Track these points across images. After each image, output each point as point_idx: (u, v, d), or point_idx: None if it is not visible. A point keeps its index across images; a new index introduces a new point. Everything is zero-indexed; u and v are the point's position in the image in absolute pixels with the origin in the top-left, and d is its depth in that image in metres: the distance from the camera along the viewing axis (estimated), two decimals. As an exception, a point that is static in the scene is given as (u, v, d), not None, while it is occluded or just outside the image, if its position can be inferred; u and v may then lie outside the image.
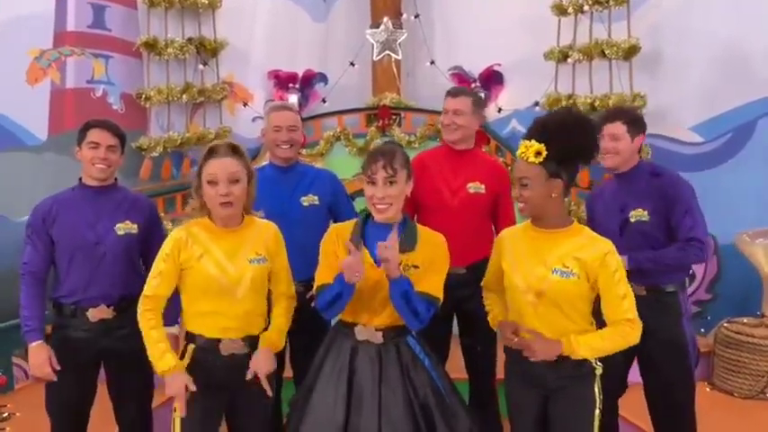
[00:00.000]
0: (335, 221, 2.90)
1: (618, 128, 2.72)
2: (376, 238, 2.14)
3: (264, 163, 2.93)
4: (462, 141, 2.98)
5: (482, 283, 2.44)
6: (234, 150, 2.23)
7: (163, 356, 2.17)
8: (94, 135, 2.57)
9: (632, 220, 2.69)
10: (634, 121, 2.76)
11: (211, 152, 2.21)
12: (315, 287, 2.26)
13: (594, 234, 2.16)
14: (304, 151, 4.82)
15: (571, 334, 2.06)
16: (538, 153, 2.04)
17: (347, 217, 2.76)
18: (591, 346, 2.06)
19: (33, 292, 2.51)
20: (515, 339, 2.13)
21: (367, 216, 2.29)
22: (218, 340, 2.22)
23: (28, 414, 3.43)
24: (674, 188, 2.68)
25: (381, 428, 2.11)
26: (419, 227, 2.30)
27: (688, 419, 2.72)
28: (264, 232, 2.33)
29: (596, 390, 2.16)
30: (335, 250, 2.24)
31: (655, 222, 2.67)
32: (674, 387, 2.70)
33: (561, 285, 2.07)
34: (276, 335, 2.34)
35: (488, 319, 2.38)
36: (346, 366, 2.21)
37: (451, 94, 3.01)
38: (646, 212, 2.67)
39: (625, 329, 2.07)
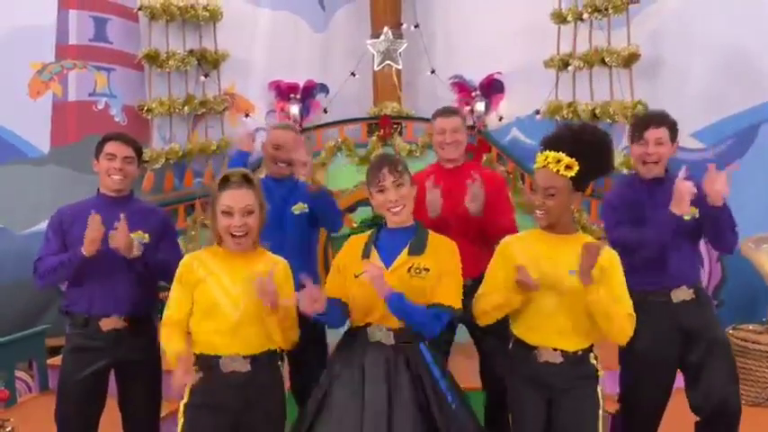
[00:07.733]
0: (318, 223, 3.05)
1: (663, 132, 2.64)
2: (390, 244, 2.28)
3: (261, 176, 3.00)
4: (460, 157, 3.02)
5: (479, 294, 2.36)
6: (247, 180, 2.24)
7: (168, 345, 2.16)
8: (111, 147, 2.63)
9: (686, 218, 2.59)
10: (674, 126, 2.70)
11: (225, 182, 2.23)
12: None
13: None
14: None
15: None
16: (568, 167, 2.11)
17: (327, 210, 2.96)
18: (604, 298, 2.07)
19: (52, 256, 2.53)
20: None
21: (380, 226, 2.36)
22: (219, 357, 2.18)
23: (31, 428, 3.41)
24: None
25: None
26: (431, 233, 2.34)
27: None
28: (274, 264, 2.29)
29: (599, 391, 2.21)
30: (345, 263, 2.31)
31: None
32: (728, 387, 2.62)
33: (580, 284, 2.09)
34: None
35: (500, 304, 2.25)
36: (359, 368, 2.21)
37: (443, 113, 3.01)
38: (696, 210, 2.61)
39: (625, 322, 2.13)
